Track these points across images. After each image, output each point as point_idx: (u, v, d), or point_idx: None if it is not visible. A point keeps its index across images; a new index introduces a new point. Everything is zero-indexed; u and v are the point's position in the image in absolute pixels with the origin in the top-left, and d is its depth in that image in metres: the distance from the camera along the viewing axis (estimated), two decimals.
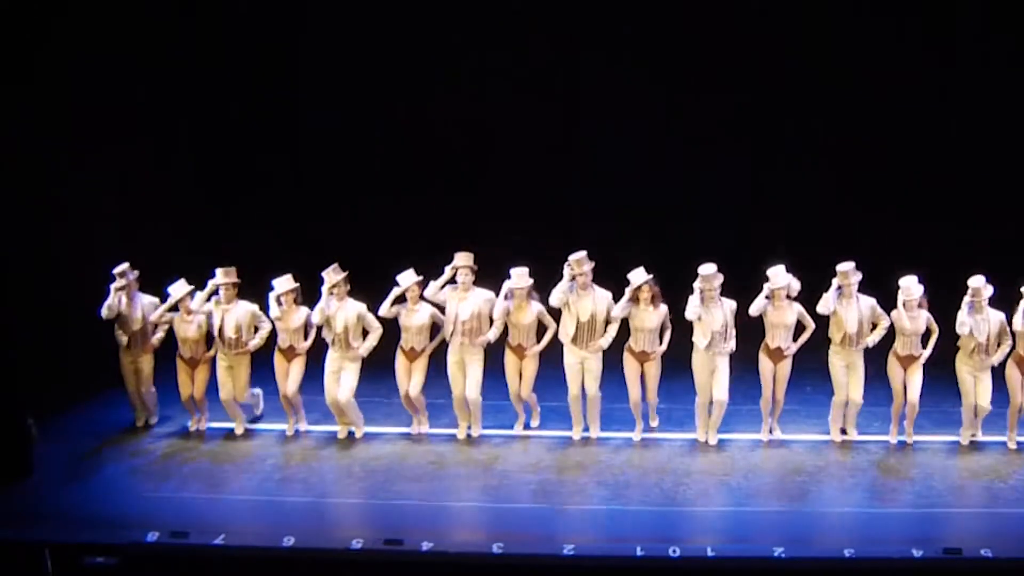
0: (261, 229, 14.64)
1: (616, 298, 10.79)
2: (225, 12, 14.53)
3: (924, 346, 10.81)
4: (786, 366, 10.91)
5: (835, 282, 10.64)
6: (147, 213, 13.63)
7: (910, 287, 10.60)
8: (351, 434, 11.25)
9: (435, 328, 11.13)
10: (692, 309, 10.60)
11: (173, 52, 14.10)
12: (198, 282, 11.12)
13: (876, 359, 11.05)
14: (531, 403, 11.33)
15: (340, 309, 10.90)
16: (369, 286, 11.19)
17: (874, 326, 10.80)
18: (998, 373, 10.81)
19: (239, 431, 11.33)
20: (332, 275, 10.87)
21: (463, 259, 10.85)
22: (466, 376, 11.01)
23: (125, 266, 11.17)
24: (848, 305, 10.65)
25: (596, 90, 14.86)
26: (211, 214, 14.73)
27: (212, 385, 11.30)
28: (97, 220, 13.01)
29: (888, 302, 10.81)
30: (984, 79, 14.27)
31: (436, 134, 14.98)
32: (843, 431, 11.10)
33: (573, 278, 10.67)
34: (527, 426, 11.42)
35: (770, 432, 11.14)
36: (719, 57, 14.47)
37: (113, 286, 11.07)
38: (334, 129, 15.07)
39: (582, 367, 10.90)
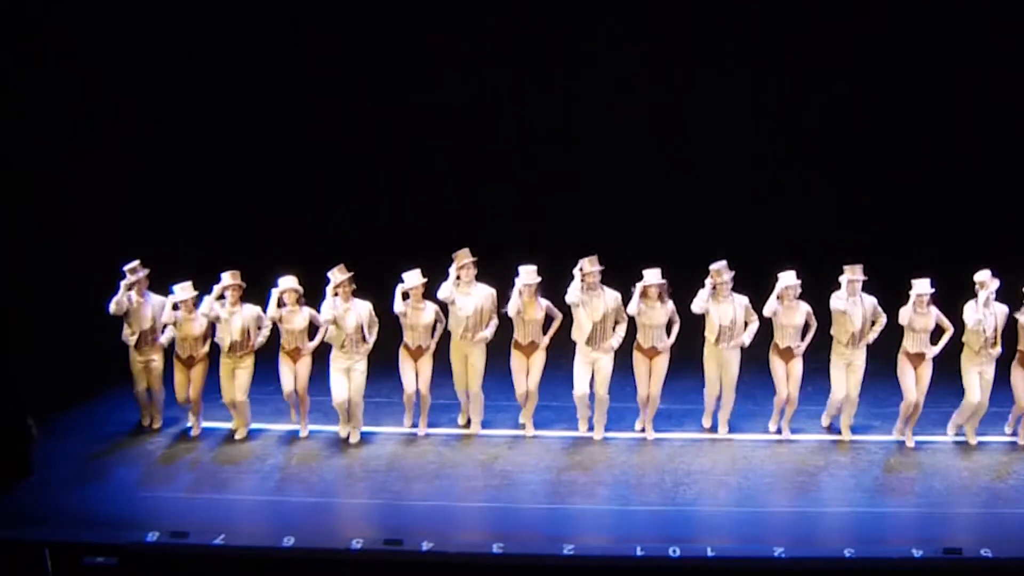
0: (267, 230, 14.62)
1: (624, 298, 10.88)
2: (229, 8, 14.52)
3: (934, 344, 10.84)
4: (798, 365, 10.96)
5: (843, 280, 10.71)
6: (150, 211, 13.63)
7: (921, 284, 10.66)
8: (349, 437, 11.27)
9: (435, 325, 11.17)
10: (698, 303, 10.73)
11: (177, 50, 14.12)
12: (203, 280, 11.10)
13: (878, 359, 11.07)
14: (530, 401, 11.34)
15: (349, 309, 10.91)
16: (374, 286, 11.19)
17: (873, 323, 10.87)
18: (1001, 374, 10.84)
19: (240, 435, 11.27)
20: (337, 275, 10.88)
21: (464, 256, 10.90)
22: (468, 369, 11.10)
23: (136, 263, 11.13)
24: (854, 304, 10.73)
25: (599, 87, 14.87)
26: (214, 213, 14.71)
27: (210, 386, 11.35)
28: (99, 218, 13.01)
29: (887, 303, 10.86)
30: (987, 78, 14.30)
31: (438, 134, 14.98)
32: (836, 431, 11.15)
33: (583, 279, 10.73)
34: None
35: (778, 431, 11.17)
36: (722, 53, 14.48)
37: (123, 283, 11.03)
38: (338, 129, 15.06)
39: (592, 368, 10.95)
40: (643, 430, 11.23)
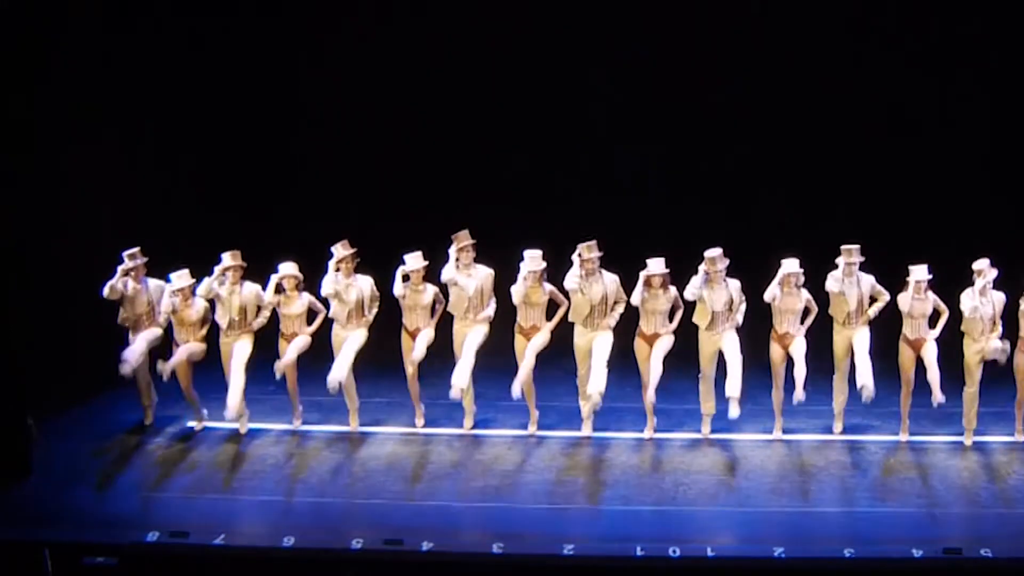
0: (265, 220, 14.58)
1: (623, 281, 10.94)
2: (230, 8, 14.51)
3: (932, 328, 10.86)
4: (800, 343, 10.86)
5: (840, 261, 10.75)
6: (151, 211, 13.61)
7: (919, 271, 10.71)
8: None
9: (433, 306, 11.22)
10: (691, 289, 10.77)
11: (178, 47, 14.12)
12: (201, 272, 11.11)
13: (877, 360, 11.07)
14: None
15: (351, 284, 11.00)
16: (376, 271, 11.24)
17: (873, 301, 10.91)
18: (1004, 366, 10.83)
19: (243, 430, 11.33)
20: (341, 250, 10.96)
21: (463, 238, 10.95)
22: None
23: (136, 250, 11.17)
24: (850, 284, 10.78)
25: (596, 84, 14.86)
26: (215, 208, 14.67)
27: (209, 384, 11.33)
28: (99, 218, 13.00)
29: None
30: (985, 69, 14.30)
31: (438, 124, 14.93)
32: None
33: (581, 265, 10.76)
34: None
35: (783, 432, 11.19)
36: (719, 50, 14.47)
37: (120, 268, 11.07)
38: (339, 120, 15.02)
39: (591, 346, 10.96)
40: (650, 438, 11.24)
